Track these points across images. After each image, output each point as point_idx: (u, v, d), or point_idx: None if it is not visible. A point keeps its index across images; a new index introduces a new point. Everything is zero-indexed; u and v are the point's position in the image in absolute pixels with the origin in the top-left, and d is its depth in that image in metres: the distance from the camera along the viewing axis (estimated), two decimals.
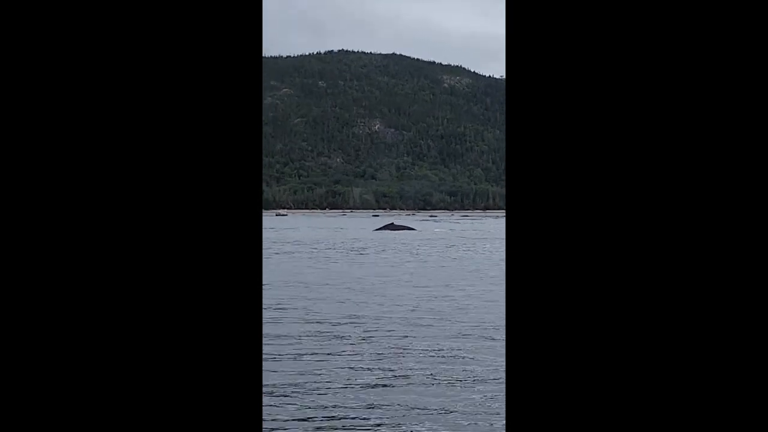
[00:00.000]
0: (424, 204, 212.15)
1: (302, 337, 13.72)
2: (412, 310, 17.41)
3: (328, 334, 14.32)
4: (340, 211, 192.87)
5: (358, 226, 79.21)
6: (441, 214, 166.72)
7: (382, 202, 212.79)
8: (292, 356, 11.96)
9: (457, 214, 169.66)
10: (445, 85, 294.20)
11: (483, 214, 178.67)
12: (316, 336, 13.98)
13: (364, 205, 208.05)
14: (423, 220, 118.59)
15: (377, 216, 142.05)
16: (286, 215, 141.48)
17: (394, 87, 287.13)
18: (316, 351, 12.50)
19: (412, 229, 67.85)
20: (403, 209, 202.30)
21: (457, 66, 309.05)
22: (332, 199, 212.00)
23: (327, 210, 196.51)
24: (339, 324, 15.46)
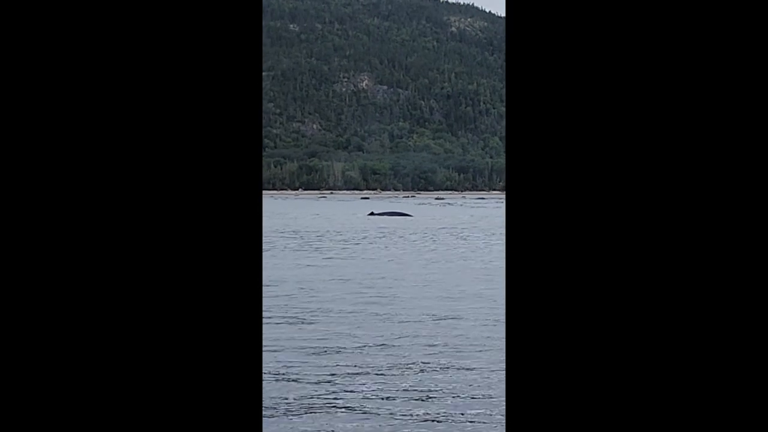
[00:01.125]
0: (425, 183, 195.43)
1: None
2: None
3: None
4: (318, 192, 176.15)
5: (339, 213, 72.09)
6: (449, 197, 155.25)
7: (371, 180, 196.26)
8: None
9: (469, 196, 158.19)
10: (453, 29, 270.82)
11: (502, 195, 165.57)
12: None
13: (348, 185, 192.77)
14: (424, 203, 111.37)
15: (367, 198, 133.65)
16: None
17: (386, 32, 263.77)
18: None
19: (407, 215, 61.47)
20: (399, 190, 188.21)
21: (468, 4, 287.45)
22: (307, 176, 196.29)
23: (300, 191, 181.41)
24: None
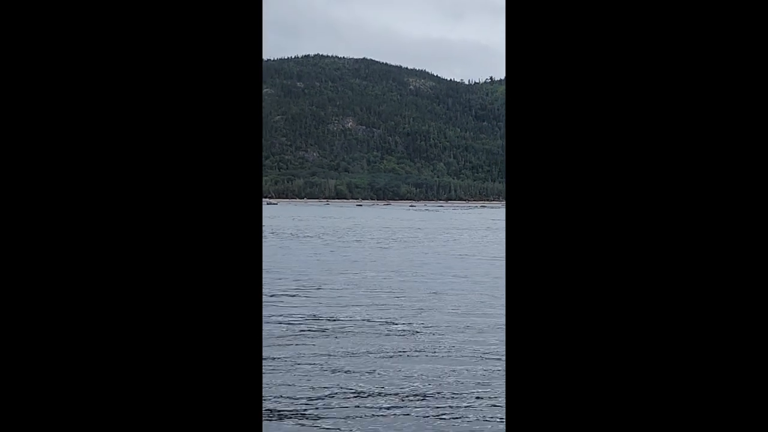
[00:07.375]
0: (392, 195, 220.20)
1: None
2: None
3: None
4: (317, 200, 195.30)
5: (354, 215, 76.63)
6: (417, 205, 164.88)
7: (354, 193, 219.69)
8: None
9: (430, 205, 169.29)
10: (411, 87, 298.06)
11: (449, 204, 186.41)
12: None
13: (339, 196, 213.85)
14: (408, 209, 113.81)
15: (360, 206, 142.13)
16: (276, 204, 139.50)
17: (365, 88, 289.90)
18: None
19: None
20: (374, 199, 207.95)
21: (422, 70, 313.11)
22: (310, 189, 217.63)
23: (306, 199, 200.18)
24: None
